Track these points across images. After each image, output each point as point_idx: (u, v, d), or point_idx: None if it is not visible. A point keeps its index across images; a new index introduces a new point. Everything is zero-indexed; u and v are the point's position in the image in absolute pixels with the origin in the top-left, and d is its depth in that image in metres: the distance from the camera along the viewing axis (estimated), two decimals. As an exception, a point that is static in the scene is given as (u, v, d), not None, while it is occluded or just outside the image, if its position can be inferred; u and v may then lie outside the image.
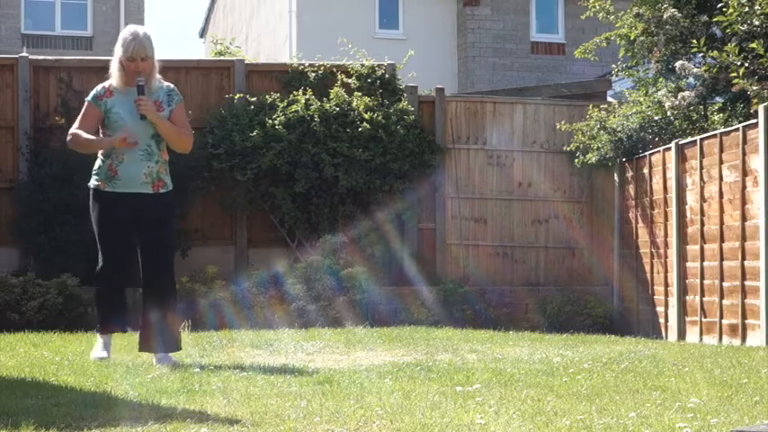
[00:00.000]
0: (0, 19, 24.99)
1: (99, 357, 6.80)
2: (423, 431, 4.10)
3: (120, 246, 6.79)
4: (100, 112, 6.79)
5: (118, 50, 6.75)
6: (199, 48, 39.79)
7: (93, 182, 6.84)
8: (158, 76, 6.82)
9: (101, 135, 6.82)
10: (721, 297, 9.81)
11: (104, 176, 6.77)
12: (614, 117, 12.25)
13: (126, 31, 6.78)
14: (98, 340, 7.00)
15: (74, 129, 6.85)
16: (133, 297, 11.12)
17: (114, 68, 6.78)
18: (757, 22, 10.02)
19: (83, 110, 6.90)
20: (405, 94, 12.82)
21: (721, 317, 9.81)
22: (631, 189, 12.21)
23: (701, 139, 10.38)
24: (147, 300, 6.81)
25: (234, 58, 13.47)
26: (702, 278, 10.23)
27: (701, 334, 10.23)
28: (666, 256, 11.20)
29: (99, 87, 6.88)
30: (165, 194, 6.81)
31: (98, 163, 6.85)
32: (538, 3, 23.20)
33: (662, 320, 11.32)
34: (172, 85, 6.97)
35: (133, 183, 6.72)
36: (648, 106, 11.91)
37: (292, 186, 12.13)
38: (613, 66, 13.07)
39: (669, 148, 11.12)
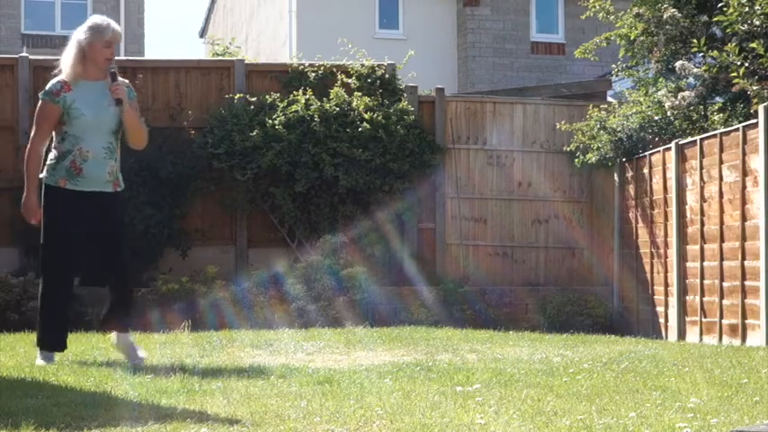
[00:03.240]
0: (0, 19, 24.98)
1: (44, 364, 6.55)
2: (423, 431, 4.09)
3: (73, 248, 6.65)
4: (58, 109, 6.61)
5: (84, 38, 6.60)
6: (199, 48, 39.80)
7: (49, 179, 6.63)
8: None
9: (59, 131, 6.64)
10: (721, 297, 9.81)
11: (65, 174, 6.60)
12: (614, 117, 12.25)
13: (96, 19, 6.69)
14: (38, 354, 6.72)
15: (33, 140, 6.63)
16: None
17: (73, 60, 6.62)
18: (757, 22, 10.02)
19: (38, 110, 6.69)
20: (405, 94, 12.82)
21: (721, 317, 9.81)
22: (631, 189, 12.21)
23: (701, 139, 10.38)
24: (111, 296, 6.74)
25: (234, 59, 13.47)
26: (702, 278, 10.23)
27: (701, 334, 10.23)
28: (666, 256, 11.20)
29: (54, 82, 6.68)
30: (121, 193, 6.80)
31: (54, 157, 6.63)
32: (538, 3, 23.20)
33: (662, 320, 11.31)
34: (126, 80, 6.89)
35: (97, 181, 6.63)
36: (648, 106, 11.91)
37: (292, 186, 12.13)
38: (613, 66, 13.06)
39: (669, 148, 11.12)
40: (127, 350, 6.79)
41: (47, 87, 6.71)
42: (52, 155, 6.68)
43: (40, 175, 6.68)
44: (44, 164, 6.71)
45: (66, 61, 6.68)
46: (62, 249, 6.63)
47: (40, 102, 6.73)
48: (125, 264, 6.83)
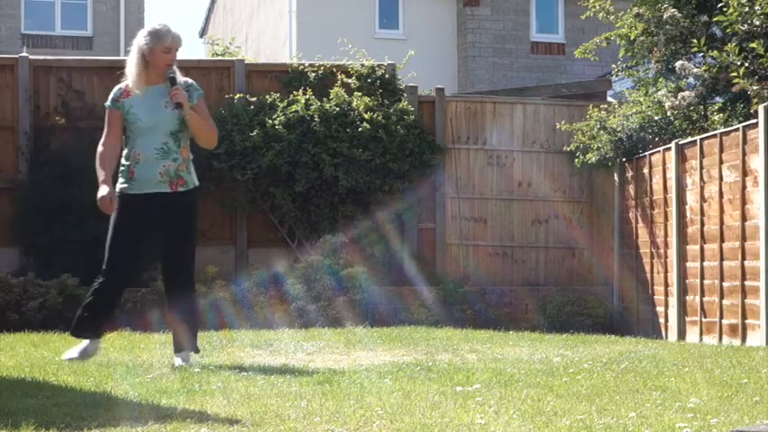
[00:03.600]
0: (0, 19, 24.99)
1: (75, 357, 6.69)
2: (423, 431, 4.09)
3: (129, 252, 6.73)
4: (120, 114, 6.73)
5: (145, 43, 6.65)
6: (199, 48, 39.77)
7: (118, 182, 6.81)
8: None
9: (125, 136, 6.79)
10: (721, 297, 9.81)
11: (125, 178, 6.74)
12: (614, 117, 12.25)
13: (155, 25, 6.73)
14: (78, 347, 6.84)
15: (101, 142, 6.82)
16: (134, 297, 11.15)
17: (134, 67, 6.70)
18: (757, 22, 10.02)
19: (106, 117, 6.86)
20: (405, 94, 12.82)
21: (721, 317, 9.81)
22: (631, 189, 12.21)
23: (701, 139, 10.38)
24: (168, 299, 6.81)
25: (234, 58, 13.47)
26: (702, 278, 10.23)
27: (701, 334, 10.23)
28: (666, 256, 11.20)
29: (115, 90, 6.82)
30: (185, 193, 6.73)
31: (122, 162, 6.81)
32: (538, 3, 23.19)
33: (662, 320, 11.31)
34: (191, 80, 6.92)
35: (148, 183, 6.66)
36: (648, 106, 11.91)
37: (292, 186, 12.13)
38: (613, 66, 13.06)
39: (669, 148, 11.12)
40: (186, 359, 6.71)
41: (110, 94, 6.85)
42: (121, 163, 6.82)
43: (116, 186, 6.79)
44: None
45: (129, 67, 6.75)
46: (118, 250, 6.71)
47: (106, 109, 6.87)
48: (186, 268, 6.78)
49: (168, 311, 6.85)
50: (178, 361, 6.64)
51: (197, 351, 6.85)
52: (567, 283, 12.75)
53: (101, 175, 6.74)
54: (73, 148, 11.97)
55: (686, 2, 11.45)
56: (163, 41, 6.63)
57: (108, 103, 6.83)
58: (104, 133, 6.84)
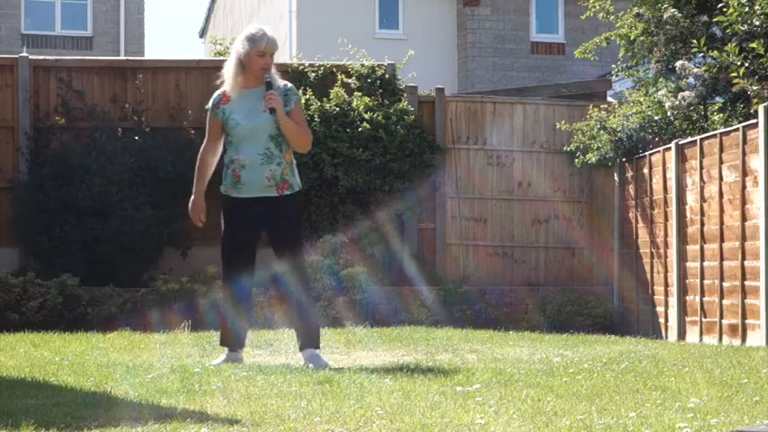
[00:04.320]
0: (0, 19, 24.99)
1: (216, 364, 6.68)
2: (423, 431, 4.09)
3: (243, 254, 6.81)
4: (220, 120, 6.78)
5: (242, 47, 6.67)
6: (199, 48, 39.82)
7: (222, 188, 6.86)
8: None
9: (226, 141, 6.83)
10: (721, 297, 9.81)
11: (230, 183, 6.77)
12: (614, 117, 12.25)
13: (251, 29, 6.75)
14: (223, 354, 6.91)
15: (203, 147, 6.90)
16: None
17: (231, 71, 6.73)
18: (757, 22, 10.02)
19: (207, 122, 6.92)
20: (405, 95, 12.82)
21: (721, 317, 9.81)
22: (631, 189, 12.21)
23: (701, 139, 10.38)
24: (292, 305, 6.92)
25: (234, 59, 13.45)
26: (702, 278, 10.23)
27: (701, 334, 10.23)
28: (666, 256, 11.20)
29: (215, 95, 6.86)
30: (291, 196, 6.78)
31: (223, 170, 6.86)
32: (538, 3, 23.20)
33: (662, 320, 11.31)
34: (289, 84, 6.92)
35: (256, 188, 6.71)
36: (648, 106, 11.91)
37: (292, 186, 12.13)
38: (613, 66, 13.06)
39: (669, 148, 11.12)
40: (309, 360, 6.74)
41: (211, 99, 6.91)
42: (224, 166, 6.85)
43: (221, 189, 6.85)
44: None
45: (227, 72, 6.78)
46: (233, 254, 6.81)
47: (207, 113, 6.93)
48: (298, 266, 6.84)
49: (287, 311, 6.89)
50: (305, 360, 6.71)
51: (317, 347, 6.85)
52: (567, 283, 12.74)
53: (197, 183, 6.88)
54: (73, 147, 11.97)
55: (686, 2, 11.44)
56: (258, 45, 6.64)
57: (209, 107, 6.88)
58: (206, 138, 6.92)
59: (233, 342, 6.89)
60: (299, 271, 6.85)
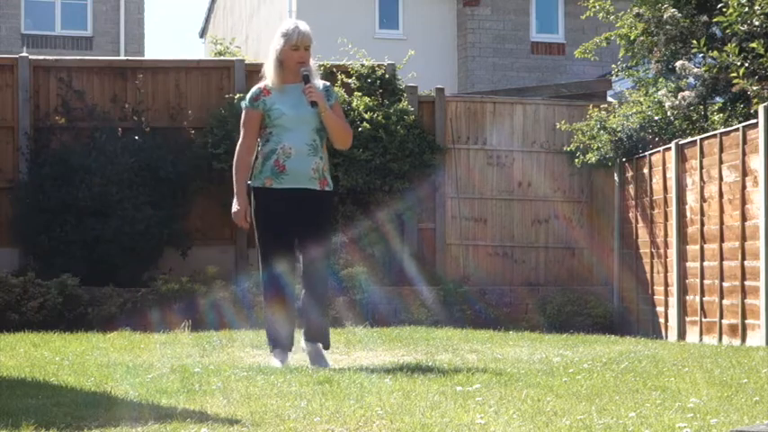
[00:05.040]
0: (0, 19, 24.99)
1: (278, 365, 6.53)
2: (423, 431, 4.09)
3: (284, 245, 6.64)
4: (260, 113, 6.70)
5: (277, 44, 6.65)
6: (199, 48, 39.82)
7: (255, 182, 6.69)
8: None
9: (263, 135, 6.71)
10: (721, 297, 9.81)
11: (270, 173, 6.62)
12: (614, 117, 12.25)
13: (285, 24, 6.71)
14: (272, 357, 6.74)
15: (240, 147, 6.75)
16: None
17: (270, 67, 6.69)
18: (757, 22, 10.02)
19: (242, 118, 6.81)
20: (405, 94, 12.82)
21: (721, 317, 9.81)
22: (631, 189, 12.21)
23: (701, 139, 10.38)
24: (305, 295, 6.74)
25: (234, 58, 13.48)
26: (702, 278, 10.23)
27: (701, 334, 10.23)
28: (666, 256, 11.19)
29: (253, 90, 6.80)
30: (330, 192, 6.74)
31: (259, 160, 6.70)
32: (538, 3, 23.19)
33: (662, 320, 11.31)
34: (328, 83, 6.90)
35: (301, 178, 6.61)
36: (648, 106, 11.90)
37: (292, 186, 12.12)
38: (613, 66, 13.06)
39: (669, 148, 11.12)
40: (312, 355, 6.70)
41: (248, 95, 6.83)
42: (258, 159, 6.72)
43: (249, 182, 6.73)
44: (252, 170, 6.75)
45: (267, 68, 6.75)
46: (276, 249, 6.63)
47: (243, 109, 6.83)
48: (326, 265, 6.78)
49: (301, 305, 6.74)
50: (308, 351, 6.66)
51: (327, 347, 6.81)
52: (567, 283, 12.74)
53: (238, 185, 6.73)
54: (73, 147, 11.97)
55: (686, 2, 11.44)
56: (290, 40, 6.60)
57: (246, 103, 6.80)
58: (242, 135, 6.79)
59: (284, 342, 6.69)
60: (324, 269, 6.76)
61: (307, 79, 6.60)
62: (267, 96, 6.71)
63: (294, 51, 6.61)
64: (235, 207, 6.72)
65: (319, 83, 6.77)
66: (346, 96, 12.46)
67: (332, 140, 6.78)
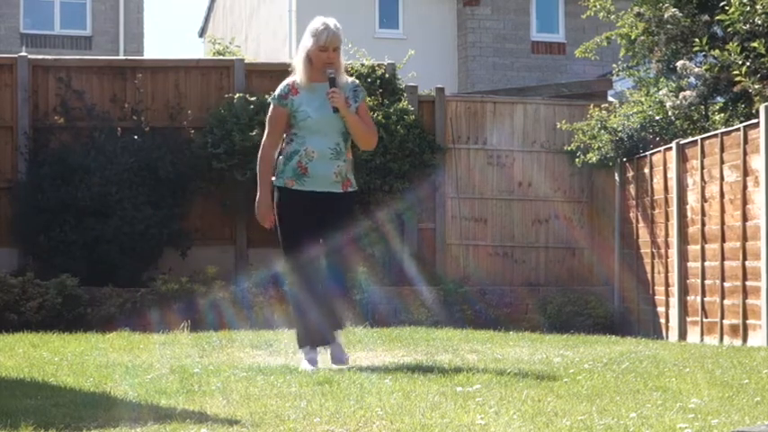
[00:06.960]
0: (-1, 19, 24.98)
1: (309, 368, 6.38)
2: (423, 431, 4.08)
3: (306, 242, 6.58)
4: (287, 112, 6.60)
5: (306, 42, 6.55)
6: (199, 47, 39.80)
7: (278, 180, 6.63)
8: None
9: (288, 134, 6.64)
10: (722, 297, 9.80)
11: (292, 174, 6.56)
12: (615, 117, 12.24)
13: (316, 22, 6.58)
14: (301, 356, 6.64)
15: (264, 142, 6.68)
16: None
17: (300, 64, 6.59)
18: (759, 21, 10.01)
19: (269, 113, 6.70)
20: (405, 94, 12.81)
21: (722, 317, 9.80)
22: (632, 189, 12.20)
23: (702, 139, 10.37)
24: (324, 289, 6.69)
25: (233, 58, 13.47)
26: (703, 278, 10.22)
27: (702, 334, 10.22)
28: (667, 256, 11.18)
29: (282, 86, 6.68)
30: (352, 194, 6.70)
31: (282, 159, 6.63)
32: (538, 2, 23.18)
33: (663, 321, 11.30)
34: (357, 81, 6.84)
35: (323, 181, 6.55)
36: (649, 106, 11.89)
37: (292, 186, 12.12)
38: (614, 65, 13.05)
39: (670, 148, 11.11)
40: (338, 354, 6.66)
41: (276, 92, 6.72)
42: (281, 157, 6.65)
43: (275, 182, 6.65)
44: (275, 168, 6.67)
45: (297, 65, 6.65)
46: (300, 249, 6.58)
47: (270, 106, 6.74)
48: (345, 263, 6.81)
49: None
50: (331, 349, 6.66)
51: (341, 327, 6.82)
52: (567, 284, 12.73)
53: (263, 182, 6.66)
54: (72, 147, 11.97)
55: (687, 1, 11.43)
56: (318, 40, 6.50)
57: (274, 99, 6.69)
58: (267, 131, 6.69)
59: (317, 337, 6.61)
60: (343, 268, 6.77)
61: (332, 82, 6.51)
62: (295, 96, 6.60)
63: (322, 52, 6.51)
64: (260, 206, 6.68)
65: (348, 83, 6.66)
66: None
67: (356, 143, 6.72)
